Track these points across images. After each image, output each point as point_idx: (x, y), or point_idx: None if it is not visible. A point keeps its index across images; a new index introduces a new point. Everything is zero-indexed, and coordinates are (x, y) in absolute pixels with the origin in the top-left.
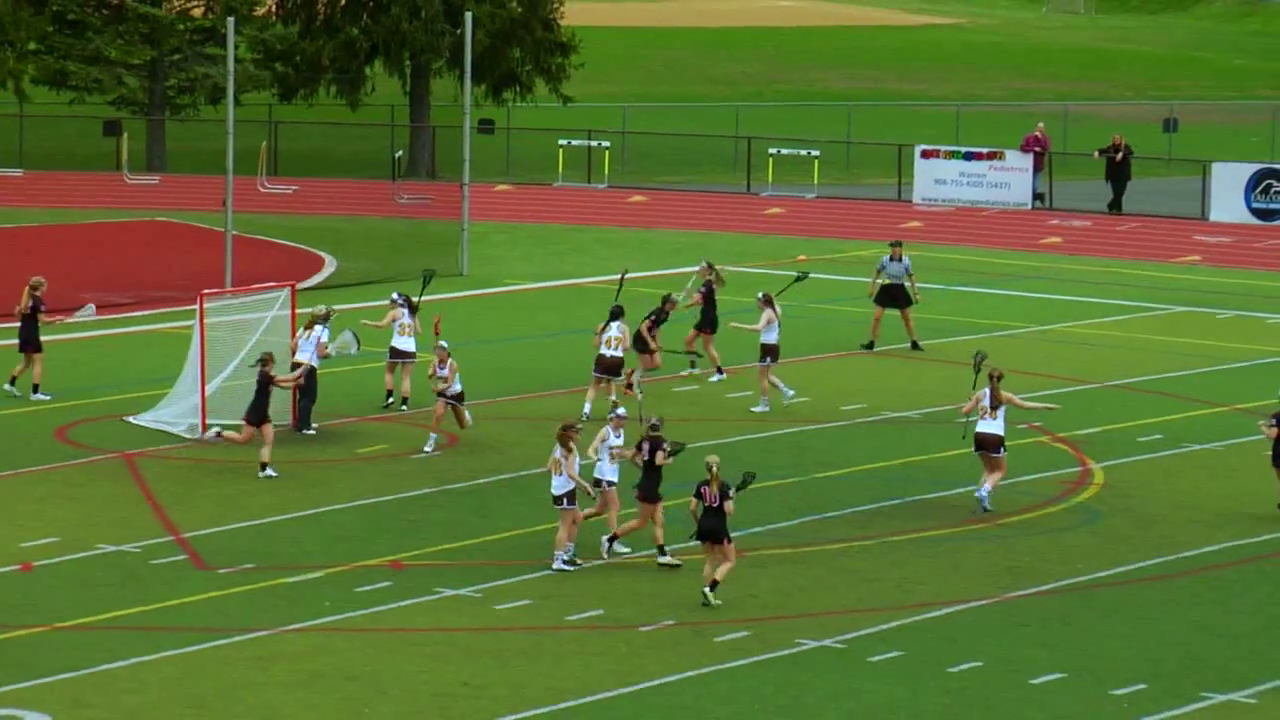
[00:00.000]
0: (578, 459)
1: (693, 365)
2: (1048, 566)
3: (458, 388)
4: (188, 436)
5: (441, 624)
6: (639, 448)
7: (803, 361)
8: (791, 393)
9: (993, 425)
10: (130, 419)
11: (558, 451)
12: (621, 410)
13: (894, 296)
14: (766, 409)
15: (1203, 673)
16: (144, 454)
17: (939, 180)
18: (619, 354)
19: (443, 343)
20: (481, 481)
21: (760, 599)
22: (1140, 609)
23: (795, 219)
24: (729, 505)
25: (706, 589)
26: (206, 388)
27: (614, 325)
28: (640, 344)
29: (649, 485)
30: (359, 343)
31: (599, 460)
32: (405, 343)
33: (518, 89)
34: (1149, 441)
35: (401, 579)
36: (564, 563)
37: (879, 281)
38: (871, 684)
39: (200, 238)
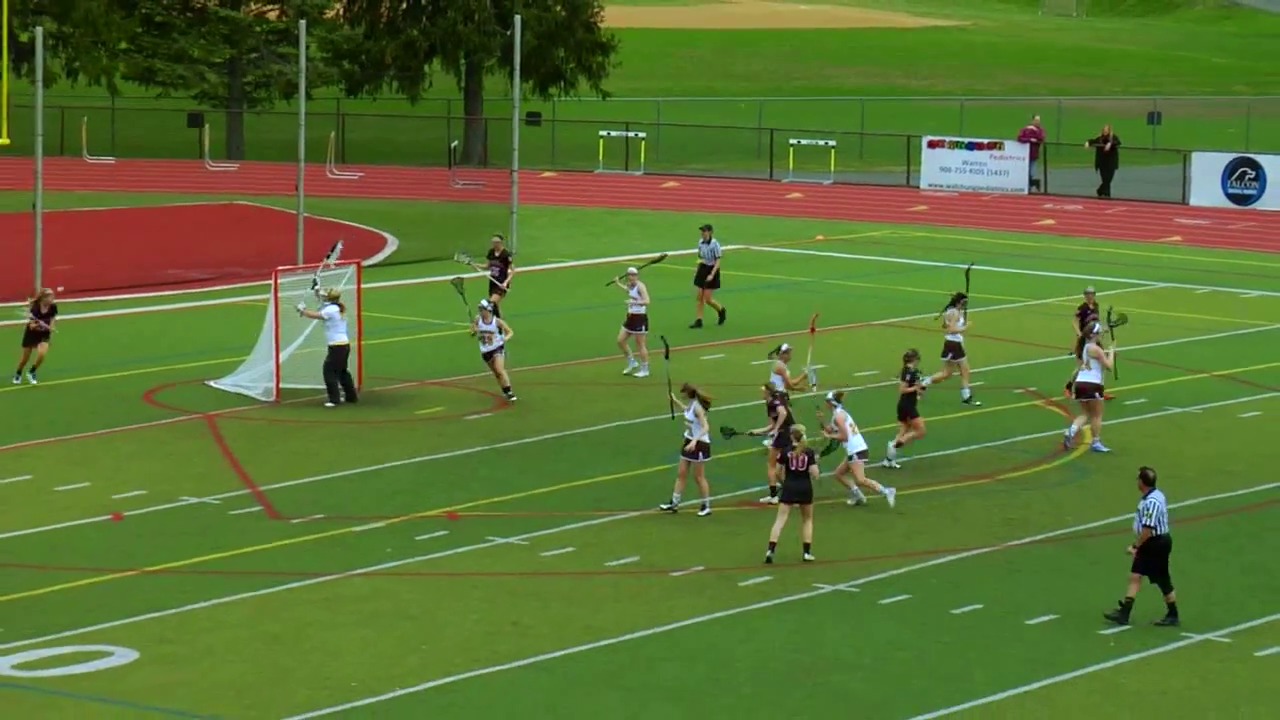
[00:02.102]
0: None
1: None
2: (1041, 519)
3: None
4: (263, 399)
5: (491, 569)
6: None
7: (820, 332)
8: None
9: (1091, 375)
10: (211, 383)
11: (689, 411)
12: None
13: (701, 276)
14: (646, 373)
15: (1181, 615)
16: (223, 415)
17: (944, 168)
18: (956, 338)
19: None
20: (528, 440)
21: (781, 547)
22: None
23: (813, 203)
24: (815, 470)
25: (806, 554)
26: (280, 355)
27: (951, 310)
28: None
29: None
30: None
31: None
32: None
33: (562, 85)
34: (1134, 405)
35: (456, 529)
36: (702, 509)
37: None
38: (881, 624)
39: (274, 220)
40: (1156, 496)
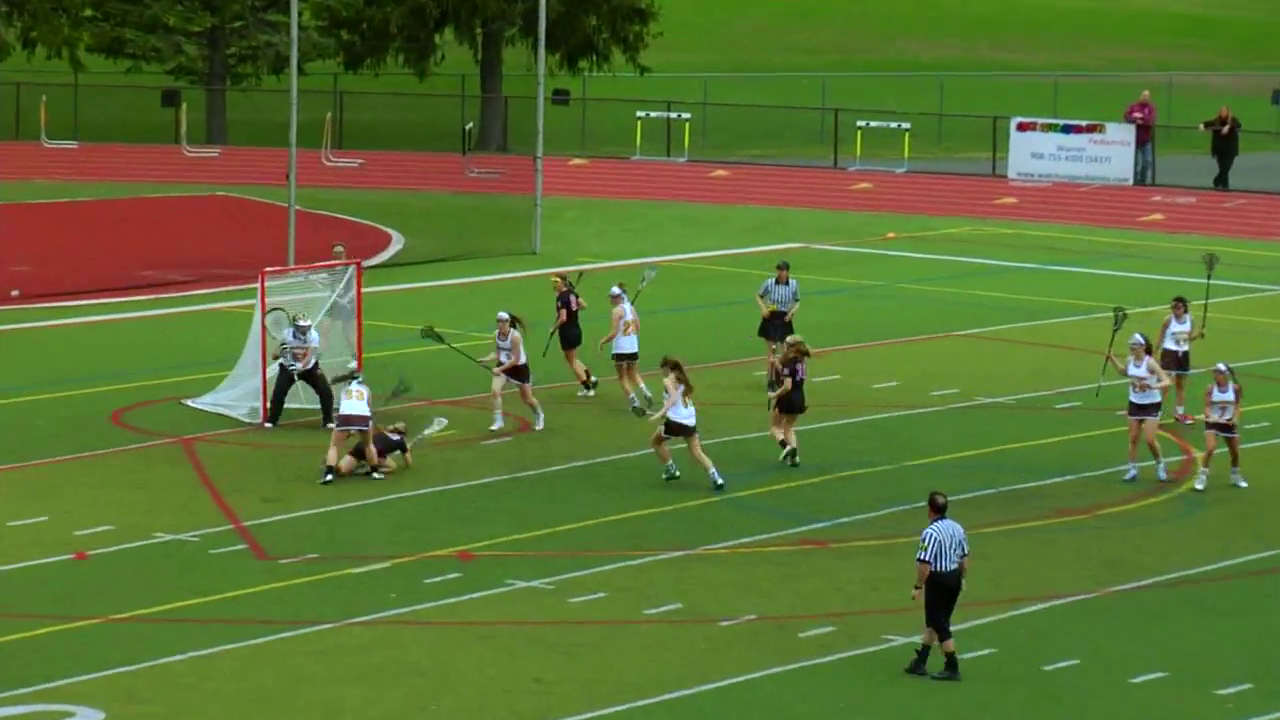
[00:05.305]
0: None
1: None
2: (1146, 560)
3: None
4: (247, 420)
5: (511, 617)
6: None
7: (891, 344)
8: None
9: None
10: (188, 402)
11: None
12: None
13: (777, 327)
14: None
15: None
16: (202, 438)
17: (1035, 154)
18: (1179, 347)
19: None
20: (553, 468)
21: (846, 592)
22: (1244, 605)
23: (884, 195)
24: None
25: (793, 454)
26: (268, 370)
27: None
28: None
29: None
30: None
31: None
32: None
33: (594, 58)
34: (1255, 429)
35: (470, 570)
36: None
37: (765, 305)
38: (962, 683)
39: (262, 213)
40: (940, 526)
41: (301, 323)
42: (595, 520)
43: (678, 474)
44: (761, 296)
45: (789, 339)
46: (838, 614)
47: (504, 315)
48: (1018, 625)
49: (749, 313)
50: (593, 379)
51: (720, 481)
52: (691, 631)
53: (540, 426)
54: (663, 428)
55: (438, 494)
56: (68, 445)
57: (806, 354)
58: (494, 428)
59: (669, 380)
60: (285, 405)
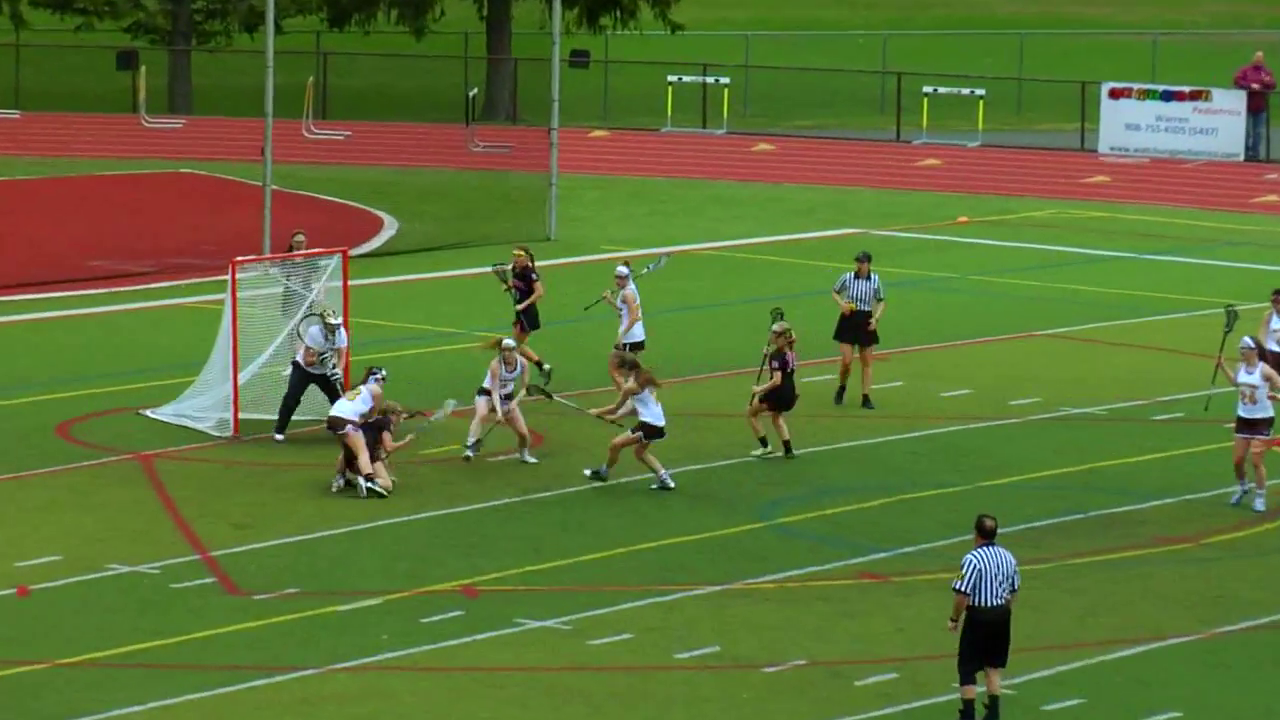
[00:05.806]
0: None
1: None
2: (1259, 595)
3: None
4: (216, 434)
5: (523, 662)
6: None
7: (963, 346)
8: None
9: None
10: (148, 412)
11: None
12: None
13: (856, 329)
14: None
15: None
16: (164, 455)
17: (1130, 125)
18: None
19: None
20: (571, 490)
21: (910, 633)
22: None
23: (954, 172)
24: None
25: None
26: (239, 375)
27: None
28: None
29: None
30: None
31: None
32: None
33: (617, 13)
34: None
35: (475, 608)
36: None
37: (843, 302)
38: None
39: (233, 193)
40: (984, 553)
41: (331, 320)
42: (619, 550)
43: (672, 484)
44: (838, 293)
45: (775, 327)
46: (900, 659)
47: (511, 342)
48: (1111, 671)
49: (798, 310)
50: (546, 366)
51: (607, 478)
52: (731, 679)
53: (531, 460)
54: (642, 435)
55: (438, 519)
56: (7, 463)
57: (793, 342)
58: (468, 454)
59: (630, 384)
60: (267, 415)
